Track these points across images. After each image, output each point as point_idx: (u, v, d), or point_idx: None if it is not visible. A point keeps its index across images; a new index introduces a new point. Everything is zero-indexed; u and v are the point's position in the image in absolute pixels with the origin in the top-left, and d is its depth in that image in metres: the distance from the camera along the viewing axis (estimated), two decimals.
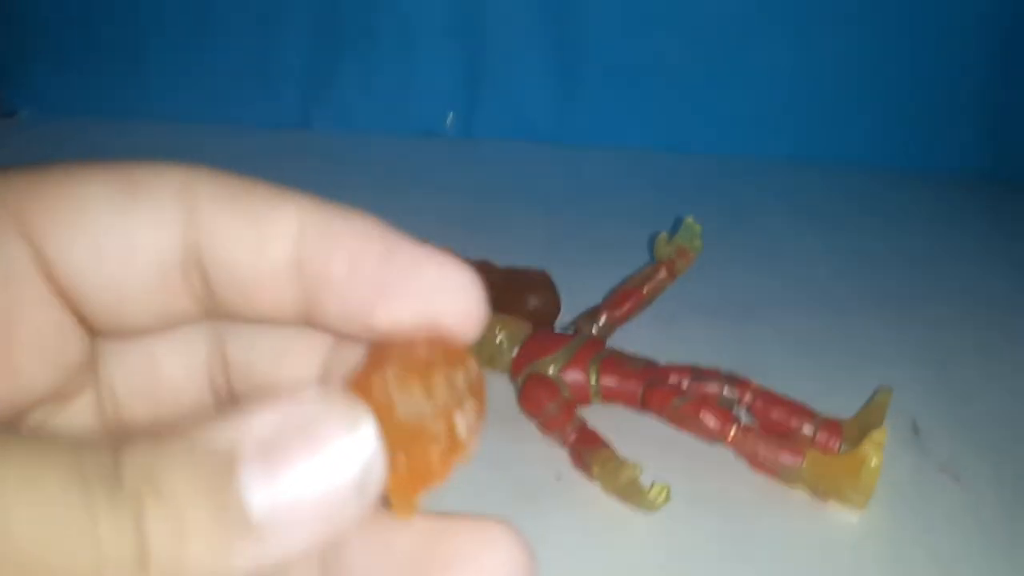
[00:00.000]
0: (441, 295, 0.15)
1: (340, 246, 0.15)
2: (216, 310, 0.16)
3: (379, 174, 0.67)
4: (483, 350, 0.37)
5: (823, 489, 0.32)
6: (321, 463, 0.12)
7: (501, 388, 0.38)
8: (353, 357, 0.16)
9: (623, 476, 0.30)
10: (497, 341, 0.37)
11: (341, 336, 0.16)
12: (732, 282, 0.51)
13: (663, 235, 0.42)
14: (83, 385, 0.16)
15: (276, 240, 0.15)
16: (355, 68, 0.74)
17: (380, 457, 0.13)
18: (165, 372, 0.17)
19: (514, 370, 0.37)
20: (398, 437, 0.13)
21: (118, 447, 0.12)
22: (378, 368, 0.14)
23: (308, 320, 0.15)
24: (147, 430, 0.12)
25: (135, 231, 0.14)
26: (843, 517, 0.32)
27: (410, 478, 0.14)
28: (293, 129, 0.75)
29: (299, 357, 0.17)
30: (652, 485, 0.30)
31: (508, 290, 0.41)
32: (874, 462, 0.30)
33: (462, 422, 0.14)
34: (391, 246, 0.15)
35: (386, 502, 0.14)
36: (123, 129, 0.72)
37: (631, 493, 0.30)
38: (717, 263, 0.50)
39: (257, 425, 0.12)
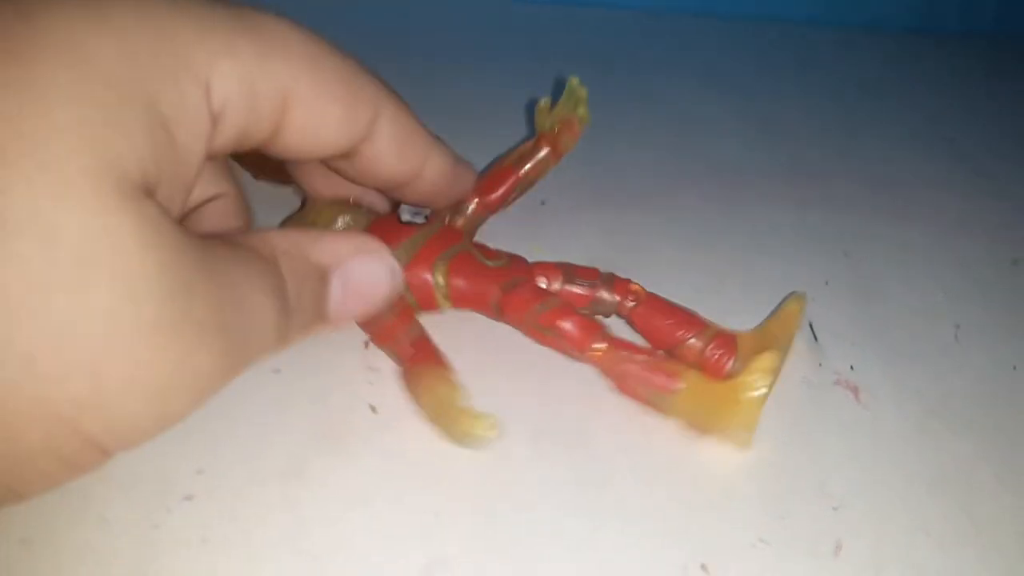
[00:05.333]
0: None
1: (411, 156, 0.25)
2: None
3: None
4: None
5: (700, 421, 0.27)
6: (372, 270, 0.21)
7: None
8: None
9: (442, 399, 0.25)
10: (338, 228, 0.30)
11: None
12: (625, 160, 0.44)
13: (544, 102, 0.34)
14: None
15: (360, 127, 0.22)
16: None
17: (399, 272, 0.23)
18: None
19: None
20: None
21: (277, 260, 0.19)
22: None
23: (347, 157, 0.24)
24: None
25: (268, 78, 0.19)
26: (722, 449, 0.27)
27: None
28: None
29: None
30: (478, 416, 0.24)
31: None
32: (758, 392, 0.25)
33: None
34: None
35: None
36: None
37: (450, 423, 0.25)
38: (614, 137, 0.43)
39: (341, 247, 0.21)
